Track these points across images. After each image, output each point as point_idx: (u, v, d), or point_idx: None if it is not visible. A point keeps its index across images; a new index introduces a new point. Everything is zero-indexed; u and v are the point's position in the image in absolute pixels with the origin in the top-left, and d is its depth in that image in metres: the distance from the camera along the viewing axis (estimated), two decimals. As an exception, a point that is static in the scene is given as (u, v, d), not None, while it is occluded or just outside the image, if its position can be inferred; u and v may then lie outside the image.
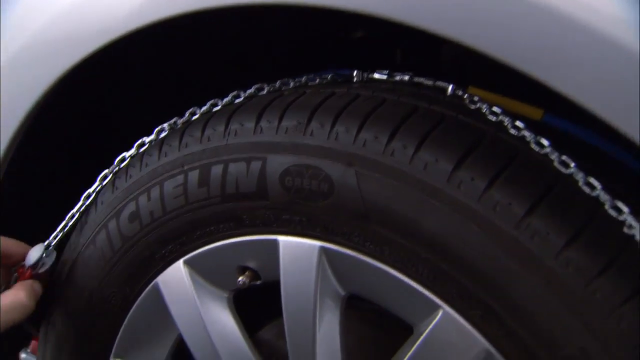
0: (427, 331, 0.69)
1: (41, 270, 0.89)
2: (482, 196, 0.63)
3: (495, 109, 0.70)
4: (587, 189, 0.62)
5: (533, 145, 0.65)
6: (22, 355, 1.00)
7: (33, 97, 0.88)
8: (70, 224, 0.90)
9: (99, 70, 0.86)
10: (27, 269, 0.88)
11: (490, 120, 0.69)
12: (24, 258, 0.89)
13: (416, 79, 0.79)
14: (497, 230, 0.62)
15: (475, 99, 0.72)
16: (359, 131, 0.69)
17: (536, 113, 0.77)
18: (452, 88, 0.75)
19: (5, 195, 0.99)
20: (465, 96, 0.73)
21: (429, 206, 0.65)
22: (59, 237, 0.90)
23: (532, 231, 0.60)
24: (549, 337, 0.60)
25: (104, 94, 0.99)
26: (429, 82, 0.78)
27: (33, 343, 1.00)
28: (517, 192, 0.62)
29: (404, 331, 0.76)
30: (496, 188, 0.63)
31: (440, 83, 0.76)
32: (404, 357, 0.71)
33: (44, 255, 0.89)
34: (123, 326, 0.90)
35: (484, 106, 0.70)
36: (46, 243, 0.90)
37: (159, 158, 0.82)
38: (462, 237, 0.64)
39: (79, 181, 0.92)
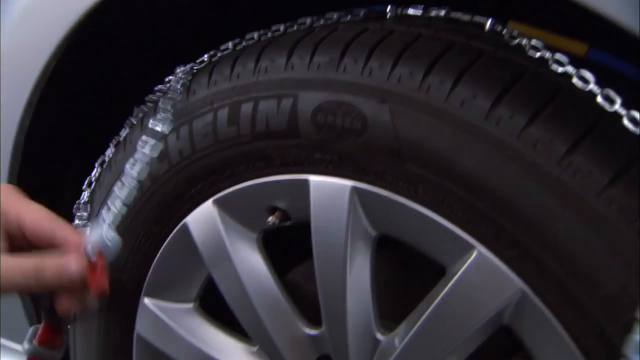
0: (460, 272, 0.67)
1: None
2: (522, 133, 0.61)
3: (536, 43, 0.67)
4: (631, 126, 0.60)
5: (576, 81, 0.63)
6: (26, 345, 0.84)
7: (44, 54, 0.87)
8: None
9: (105, 27, 0.85)
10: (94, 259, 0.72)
11: (531, 56, 0.66)
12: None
13: (453, 14, 0.76)
14: (538, 168, 0.60)
15: (515, 33, 0.69)
16: (393, 67, 0.67)
17: (580, 48, 0.74)
18: (490, 23, 0.72)
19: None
20: (505, 31, 0.70)
21: (465, 144, 0.63)
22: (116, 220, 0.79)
23: (574, 169, 0.58)
24: (589, 277, 0.59)
25: (113, 47, 0.97)
26: (467, 18, 0.74)
27: (41, 331, 0.84)
28: (559, 129, 0.60)
29: (436, 274, 0.75)
30: (537, 125, 0.61)
31: (478, 18, 0.73)
32: (436, 298, 0.71)
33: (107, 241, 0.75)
34: (153, 266, 0.90)
35: (525, 41, 0.67)
36: (105, 227, 0.76)
37: (187, 96, 0.81)
38: (500, 176, 0.62)
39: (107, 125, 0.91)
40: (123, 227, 0.89)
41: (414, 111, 0.66)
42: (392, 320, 0.80)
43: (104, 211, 0.80)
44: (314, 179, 0.75)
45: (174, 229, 0.87)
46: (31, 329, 0.84)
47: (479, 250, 0.66)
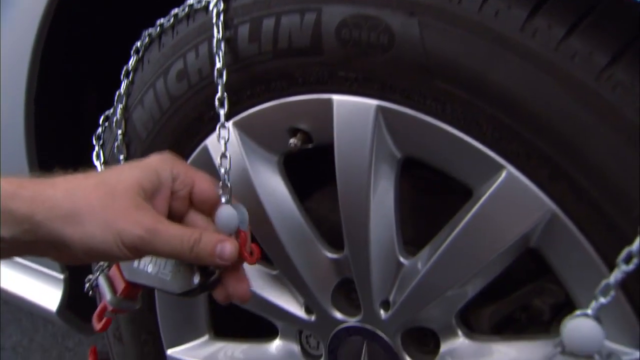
0: (488, 193, 0.66)
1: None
2: (560, 45, 0.57)
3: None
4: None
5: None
6: (109, 297, 0.84)
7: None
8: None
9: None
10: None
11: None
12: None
13: None
14: (575, 82, 0.57)
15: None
16: (423, -23, 0.63)
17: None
18: None
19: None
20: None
21: (499, 57, 0.60)
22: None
23: (614, 83, 0.55)
24: (623, 197, 0.57)
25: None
26: None
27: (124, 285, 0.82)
28: (599, 40, 0.57)
29: (461, 196, 0.73)
30: (576, 36, 0.57)
31: None
32: (462, 221, 0.69)
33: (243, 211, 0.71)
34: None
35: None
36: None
37: (207, 12, 0.78)
38: (535, 91, 0.59)
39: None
40: (142, 148, 0.88)
41: (445, 24, 0.62)
42: (415, 245, 0.79)
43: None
44: (337, 98, 0.72)
45: (193, 151, 0.86)
46: (101, 277, 0.85)
47: (509, 170, 0.64)
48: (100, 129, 0.95)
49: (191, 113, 0.83)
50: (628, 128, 0.55)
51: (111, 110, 0.93)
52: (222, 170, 0.71)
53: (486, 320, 0.81)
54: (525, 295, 0.78)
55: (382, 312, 0.81)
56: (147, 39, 0.84)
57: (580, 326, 0.57)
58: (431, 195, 0.85)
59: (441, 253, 0.72)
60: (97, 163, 0.95)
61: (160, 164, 0.67)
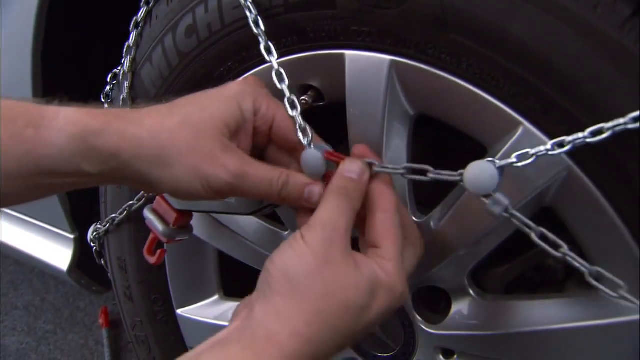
0: (503, 150, 0.64)
1: None
2: (582, -5, 0.55)
3: None
4: None
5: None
6: (145, 212, 0.88)
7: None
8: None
9: None
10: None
11: None
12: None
13: None
14: (598, 33, 0.55)
15: None
16: None
17: None
18: None
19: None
20: None
21: (517, 9, 0.58)
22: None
23: (638, 34, 0.53)
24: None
25: None
26: None
27: (176, 216, 0.85)
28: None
29: (475, 155, 0.72)
30: (599, -14, 0.55)
31: None
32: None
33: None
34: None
35: None
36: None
37: (215, -35, 0.76)
38: (555, 44, 0.57)
39: None
40: (151, 106, 0.87)
41: (462, -26, 0.60)
42: (427, 204, 0.78)
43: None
44: (350, 53, 0.71)
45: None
46: (147, 211, 0.87)
47: (525, 126, 0.62)
48: (108, 87, 0.94)
49: (200, 70, 0.81)
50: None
51: (119, 68, 0.92)
52: (295, 113, 0.68)
53: (498, 280, 0.81)
54: (538, 254, 0.77)
55: (393, 271, 0.80)
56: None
57: (484, 168, 0.59)
58: (444, 153, 0.84)
59: (453, 212, 0.71)
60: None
61: (242, 96, 0.65)
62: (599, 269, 0.57)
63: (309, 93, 0.78)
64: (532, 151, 0.57)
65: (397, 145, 0.74)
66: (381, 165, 0.66)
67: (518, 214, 0.60)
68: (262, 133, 0.68)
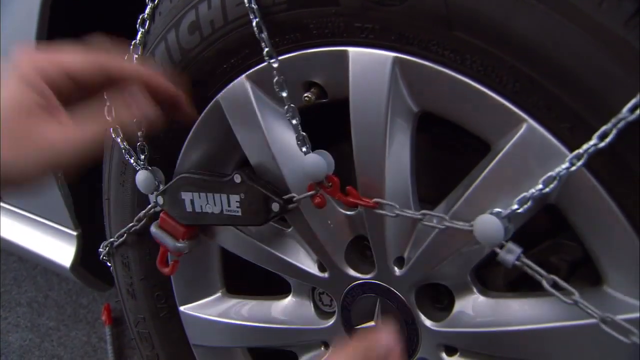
0: (507, 147, 0.64)
1: None
2: (587, -8, 0.55)
3: None
4: None
5: None
6: (152, 229, 0.93)
7: None
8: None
9: None
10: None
11: None
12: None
13: None
14: (602, 30, 0.55)
15: None
16: None
17: None
18: None
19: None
20: None
21: (522, 6, 0.58)
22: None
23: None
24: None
25: None
26: None
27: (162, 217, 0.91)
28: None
29: (477, 152, 0.72)
30: (603, -18, 0.55)
31: None
32: (479, 176, 0.68)
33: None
34: (186, 142, 0.88)
35: None
36: None
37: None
38: (559, 40, 0.57)
39: None
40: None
41: (466, -29, 0.60)
42: (430, 201, 0.78)
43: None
44: (353, 50, 0.71)
45: (205, 106, 0.85)
46: (154, 228, 0.92)
47: (529, 123, 0.62)
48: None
49: (203, 67, 0.81)
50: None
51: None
52: (294, 122, 0.72)
53: (502, 277, 0.80)
54: (542, 252, 0.77)
55: (396, 269, 0.81)
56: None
57: (492, 221, 0.64)
58: (448, 150, 0.84)
59: (457, 209, 0.71)
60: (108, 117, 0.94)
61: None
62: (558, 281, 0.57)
63: (312, 90, 0.78)
64: (528, 194, 0.62)
65: (400, 142, 0.74)
66: (400, 209, 0.72)
67: (530, 263, 0.63)
68: (68, 88, 0.66)
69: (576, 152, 0.59)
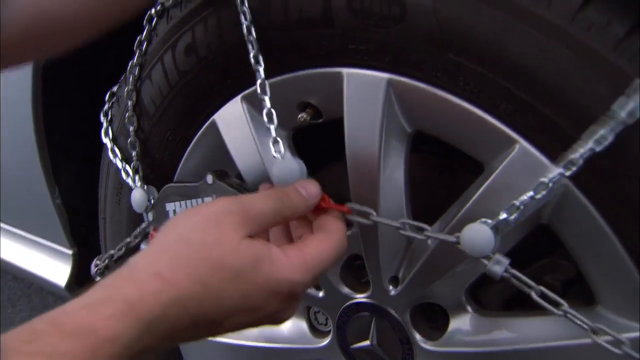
0: (500, 168, 0.65)
1: None
2: (577, 16, 0.56)
3: None
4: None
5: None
6: (142, 247, 0.93)
7: None
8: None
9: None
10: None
11: None
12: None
13: None
14: (592, 53, 0.55)
15: None
16: (436, -54, 0.62)
17: None
18: None
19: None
20: None
21: (514, 29, 0.59)
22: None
23: (631, 54, 0.54)
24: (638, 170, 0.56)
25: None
26: None
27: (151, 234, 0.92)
28: (616, 10, 0.55)
29: (471, 172, 0.72)
30: (593, 6, 0.56)
31: None
32: (473, 196, 0.68)
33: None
34: (182, 161, 0.89)
35: None
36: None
37: (217, -16, 0.77)
38: (551, 63, 0.58)
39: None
40: (150, 123, 0.88)
41: (458, -5, 0.61)
42: (425, 220, 0.78)
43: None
44: (347, 71, 0.71)
45: (202, 126, 0.85)
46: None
47: (522, 145, 0.63)
48: (107, 106, 0.95)
49: (199, 88, 0.82)
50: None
51: (116, 87, 0.92)
52: (272, 127, 0.71)
53: (496, 297, 0.81)
54: (536, 271, 0.77)
55: (391, 288, 0.81)
56: (159, 7, 0.83)
57: (480, 231, 0.63)
58: (441, 171, 0.84)
59: (451, 228, 0.71)
60: (106, 140, 0.94)
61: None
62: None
63: (307, 110, 0.78)
64: (517, 202, 0.61)
65: (395, 162, 0.75)
66: (377, 217, 0.70)
67: (518, 274, 0.63)
68: None
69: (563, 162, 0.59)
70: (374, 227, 0.77)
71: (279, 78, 0.76)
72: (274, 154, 0.71)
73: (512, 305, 0.81)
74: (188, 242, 0.57)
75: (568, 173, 0.58)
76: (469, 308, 0.78)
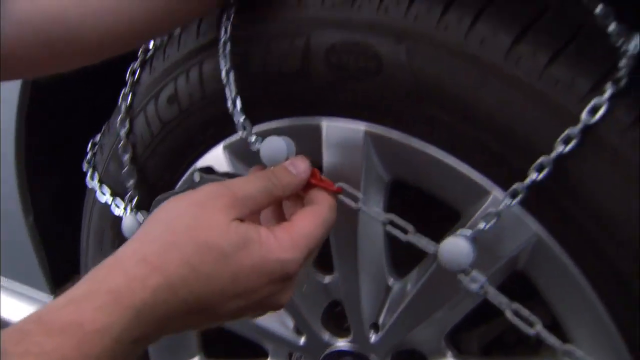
0: (475, 216, 0.66)
1: None
2: (544, 72, 0.59)
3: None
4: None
5: (600, 17, 0.60)
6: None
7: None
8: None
9: None
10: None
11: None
12: None
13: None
14: (559, 108, 0.58)
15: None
16: (410, 4, 0.65)
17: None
18: None
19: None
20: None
21: (485, 84, 0.61)
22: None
23: (596, 108, 0.56)
24: (609, 220, 0.58)
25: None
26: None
27: None
28: (581, 68, 0.58)
29: (448, 219, 0.74)
30: (558, 64, 0.58)
31: None
32: (450, 243, 0.70)
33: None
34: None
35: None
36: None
37: (197, 36, 0.79)
38: (521, 117, 0.60)
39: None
40: (132, 173, 0.89)
41: (432, 51, 0.64)
42: (404, 267, 0.79)
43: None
44: (326, 122, 0.73)
45: (183, 175, 0.86)
46: None
47: (495, 195, 0.64)
48: (90, 154, 0.96)
49: (181, 137, 0.83)
50: (612, 153, 0.56)
51: (98, 136, 0.94)
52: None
53: (475, 342, 0.82)
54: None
55: (371, 334, 0.81)
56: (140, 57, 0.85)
57: (457, 244, 0.63)
58: (419, 218, 0.86)
59: (430, 274, 0.72)
60: (92, 184, 0.94)
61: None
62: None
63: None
64: (495, 210, 0.62)
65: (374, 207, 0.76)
66: (365, 207, 0.68)
67: (494, 290, 0.63)
68: None
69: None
70: (355, 273, 0.78)
71: (260, 129, 0.78)
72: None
73: (491, 351, 0.82)
74: (175, 227, 0.56)
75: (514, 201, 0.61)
76: (448, 354, 0.79)
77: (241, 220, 0.59)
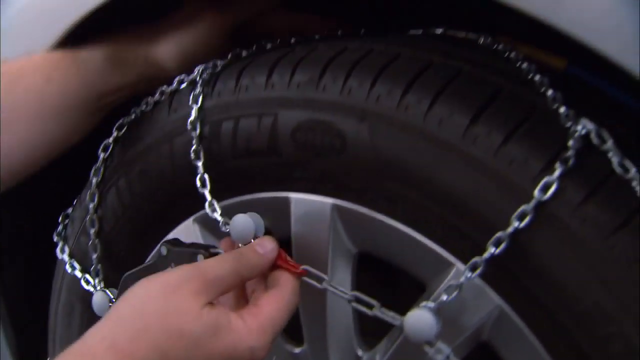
0: (438, 289, 0.68)
1: None
2: (498, 152, 0.62)
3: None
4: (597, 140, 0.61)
5: (551, 99, 0.64)
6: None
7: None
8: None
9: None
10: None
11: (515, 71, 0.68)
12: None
13: (449, 32, 0.79)
14: (514, 186, 0.61)
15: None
16: (372, 86, 0.68)
17: (560, 62, 0.76)
18: (485, 39, 0.76)
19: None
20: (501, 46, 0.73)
21: (443, 162, 0.64)
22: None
23: (547, 187, 0.59)
24: (565, 293, 0.60)
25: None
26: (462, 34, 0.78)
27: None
28: (533, 147, 0.61)
29: (417, 290, 0.75)
30: (513, 143, 0.61)
31: (471, 34, 0.77)
32: (416, 314, 0.71)
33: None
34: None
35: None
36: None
37: (169, 114, 0.81)
38: (478, 194, 0.63)
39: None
40: (104, 244, 0.89)
41: (393, 130, 0.66)
42: (373, 336, 0.80)
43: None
44: (294, 196, 0.75)
45: (154, 247, 0.87)
46: None
47: (458, 268, 0.66)
48: (60, 227, 0.96)
49: (152, 210, 0.85)
50: (564, 230, 0.59)
51: (70, 209, 0.94)
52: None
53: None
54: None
55: (342, 407, 0.81)
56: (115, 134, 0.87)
57: (422, 316, 0.64)
58: (386, 289, 0.87)
59: (397, 346, 0.73)
60: (62, 256, 0.94)
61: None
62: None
63: (258, 230, 0.81)
64: (456, 282, 0.64)
65: (341, 280, 0.77)
66: (331, 284, 0.70)
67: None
68: None
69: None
70: (324, 344, 0.79)
71: (229, 201, 0.80)
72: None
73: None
74: (146, 312, 0.56)
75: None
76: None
77: (211, 303, 0.60)
